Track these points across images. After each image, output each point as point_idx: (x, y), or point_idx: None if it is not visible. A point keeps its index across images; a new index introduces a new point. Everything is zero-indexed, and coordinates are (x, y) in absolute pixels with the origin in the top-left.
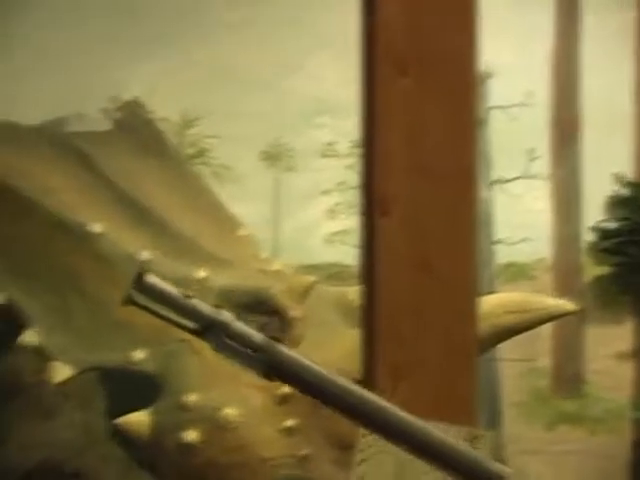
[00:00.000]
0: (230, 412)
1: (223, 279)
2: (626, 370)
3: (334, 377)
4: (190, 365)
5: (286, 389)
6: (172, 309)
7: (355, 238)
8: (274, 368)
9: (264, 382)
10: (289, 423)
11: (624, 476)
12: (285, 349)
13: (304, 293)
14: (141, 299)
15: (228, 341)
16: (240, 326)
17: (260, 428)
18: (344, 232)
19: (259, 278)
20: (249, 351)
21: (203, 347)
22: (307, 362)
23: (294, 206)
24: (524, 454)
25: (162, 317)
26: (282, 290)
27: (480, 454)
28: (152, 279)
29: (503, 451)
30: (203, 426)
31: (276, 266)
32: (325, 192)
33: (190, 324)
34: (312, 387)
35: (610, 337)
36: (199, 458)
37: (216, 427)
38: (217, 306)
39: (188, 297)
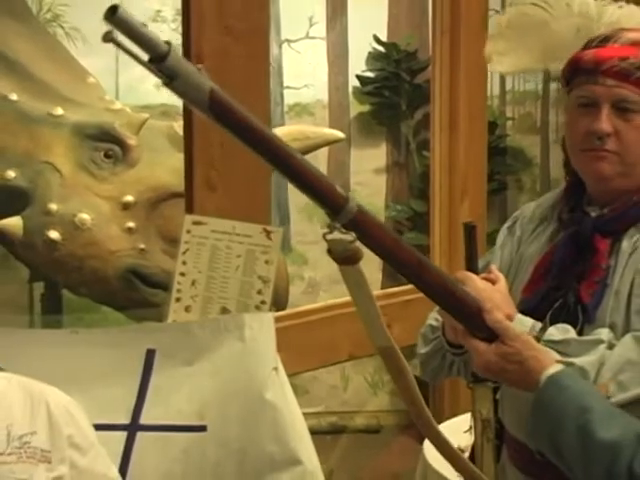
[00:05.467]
0: (84, 216)
1: (76, 116)
2: (381, 181)
3: (259, 123)
4: (53, 181)
5: (129, 198)
6: (138, 40)
7: None
8: (215, 102)
9: (111, 193)
10: (130, 224)
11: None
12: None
13: (140, 126)
14: (115, 35)
15: (177, 68)
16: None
17: (108, 228)
18: None
19: (105, 115)
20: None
21: (63, 166)
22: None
23: (131, 60)
24: (305, 244)
25: (132, 54)
26: (122, 124)
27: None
28: (124, 11)
29: (291, 241)
30: (63, 227)
31: (118, 106)
32: None
33: (150, 57)
34: (243, 124)
35: (369, 157)
36: (61, 252)
37: (73, 228)
38: (167, 42)
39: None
